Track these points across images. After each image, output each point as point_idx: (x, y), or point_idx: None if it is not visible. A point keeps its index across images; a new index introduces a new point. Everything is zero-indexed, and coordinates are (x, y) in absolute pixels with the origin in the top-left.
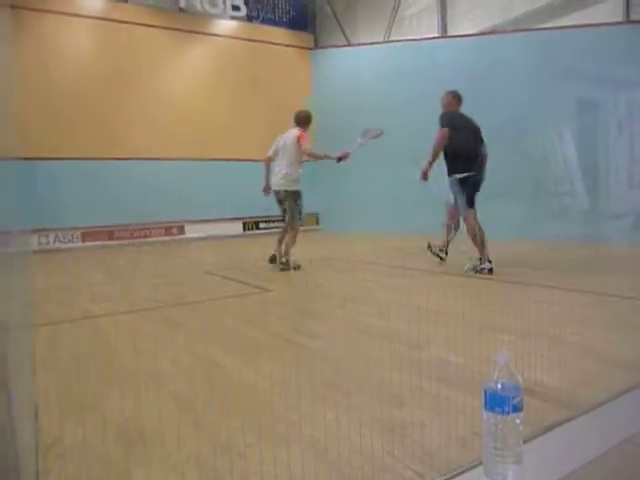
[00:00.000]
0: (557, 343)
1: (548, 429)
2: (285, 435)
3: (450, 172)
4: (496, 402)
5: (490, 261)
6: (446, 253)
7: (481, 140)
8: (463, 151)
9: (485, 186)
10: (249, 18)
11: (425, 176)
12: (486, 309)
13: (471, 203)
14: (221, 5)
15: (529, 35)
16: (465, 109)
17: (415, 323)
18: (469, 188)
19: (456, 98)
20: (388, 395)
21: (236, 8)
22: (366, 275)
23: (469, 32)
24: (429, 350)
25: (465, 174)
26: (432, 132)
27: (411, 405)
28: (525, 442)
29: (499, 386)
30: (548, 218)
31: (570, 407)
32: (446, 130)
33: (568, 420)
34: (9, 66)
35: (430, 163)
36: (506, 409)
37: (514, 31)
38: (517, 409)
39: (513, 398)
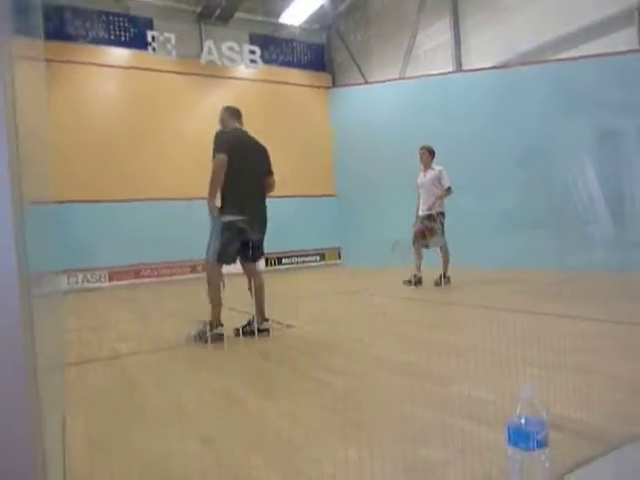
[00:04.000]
0: (586, 376)
1: (578, 466)
2: (307, 473)
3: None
4: (520, 437)
5: (222, 324)
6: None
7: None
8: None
9: (512, 216)
10: (268, 61)
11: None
12: (510, 342)
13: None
14: (238, 57)
15: (543, 67)
16: (485, 140)
17: (437, 357)
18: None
19: (230, 112)
20: (412, 433)
21: (252, 52)
22: (386, 308)
23: (483, 66)
24: (453, 386)
25: (233, 218)
26: (447, 165)
27: (436, 443)
28: None
29: (522, 421)
30: (574, 248)
31: (602, 442)
32: (223, 157)
33: (600, 456)
34: (44, 114)
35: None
36: (530, 445)
37: (525, 64)
38: (542, 445)
39: (537, 433)
